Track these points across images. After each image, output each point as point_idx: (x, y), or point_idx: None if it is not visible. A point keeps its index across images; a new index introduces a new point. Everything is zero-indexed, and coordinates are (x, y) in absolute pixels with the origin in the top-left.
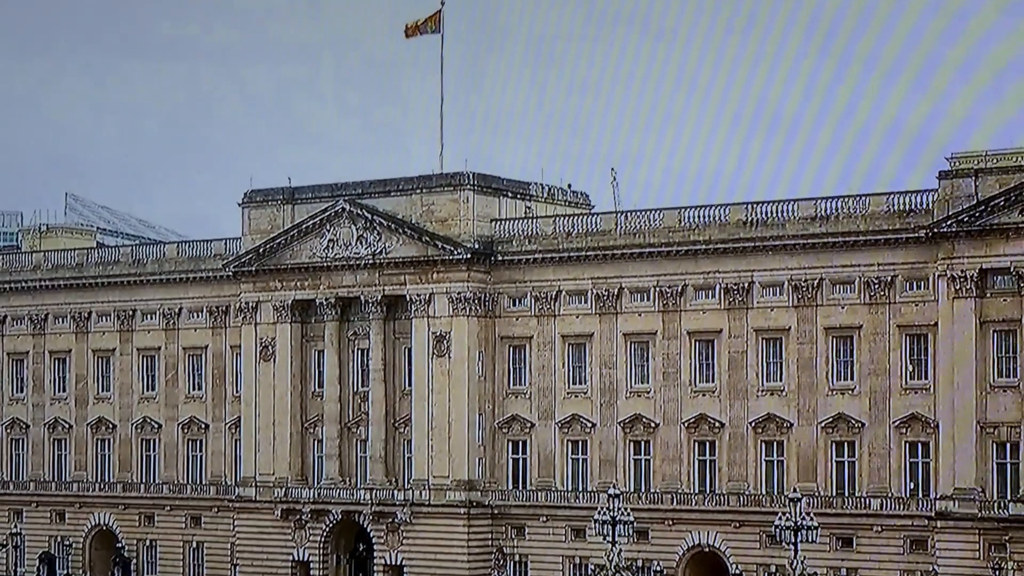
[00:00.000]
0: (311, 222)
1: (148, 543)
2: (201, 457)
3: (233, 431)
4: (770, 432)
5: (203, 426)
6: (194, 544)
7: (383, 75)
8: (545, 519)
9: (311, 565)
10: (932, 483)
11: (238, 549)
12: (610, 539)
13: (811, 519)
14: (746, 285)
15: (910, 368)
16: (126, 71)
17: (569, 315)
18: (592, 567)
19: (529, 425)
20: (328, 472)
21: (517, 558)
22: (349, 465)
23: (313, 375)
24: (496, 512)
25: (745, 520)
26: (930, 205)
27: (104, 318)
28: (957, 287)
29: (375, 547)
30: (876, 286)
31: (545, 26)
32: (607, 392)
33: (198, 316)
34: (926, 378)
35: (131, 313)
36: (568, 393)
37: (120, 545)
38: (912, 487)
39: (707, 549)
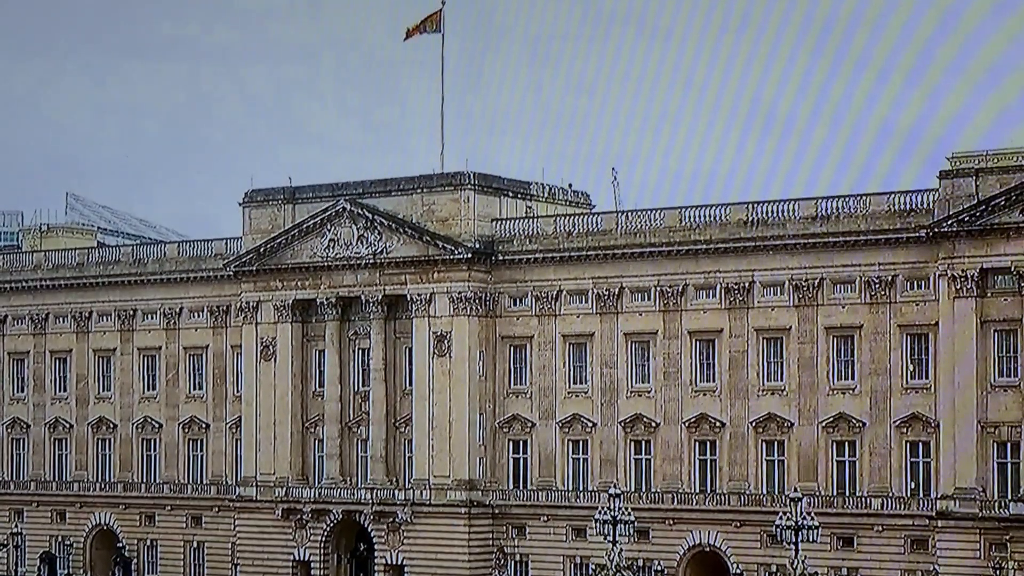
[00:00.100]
0: (312, 222)
1: (149, 543)
2: (202, 457)
3: (234, 431)
4: (771, 432)
5: (204, 426)
6: (195, 544)
7: (383, 75)
8: (546, 519)
9: (312, 565)
10: (933, 483)
11: (239, 549)
12: (611, 539)
13: (812, 519)
14: (747, 285)
15: (911, 368)
16: (127, 71)
17: (570, 315)
18: (593, 567)
19: (530, 425)
20: (329, 472)
21: (518, 558)
22: (350, 465)
23: (314, 375)
24: (497, 512)
25: (746, 520)
26: (931, 205)
27: (105, 318)
28: (958, 287)
29: (376, 547)
30: (877, 286)
31: (545, 26)
32: (608, 392)
33: (199, 316)
34: (927, 378)
35: (132, 313)
36: (569, 393)
37: (121, 545)
38: (913, 487)
39: (708, 549)
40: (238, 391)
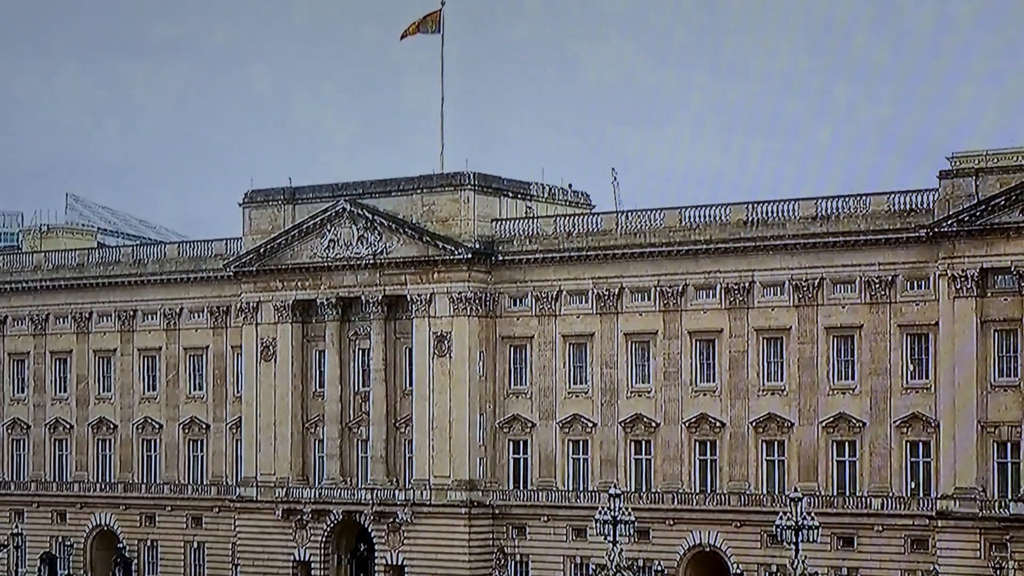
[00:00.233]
0: (312, 222)
1: (149, 543)
2: (202, 457)
3: (234, 431)
4: (771, 432)
5: (204, 426)
6: (195, 544)
7: (383, 76)
8: (546, 519)
9: (312, 565)
10: (933, 483)
11: (239, 549)
12: (611, 539)
13: (812, 519)
14: (747, 285)
15: (911, 368)
16: (127, 72)
17: (570, 315)
18: (593, 567)
19: (530, 425)
20: (329, 472)
21: (518, 558)
22: (350, 465)
23: (314, 375)
24: (497, 512)
25: (746, 520)
26: (931, 205)
27: (105, 318)
28: (958, 286)
29: (376, 547)
30: (877, 286)
31: (545, 26)
32: (608, 392)
33: (199, 316)
34: (927, 377)
35: (132, 313)
36: (569, 393)
37: (121, 545)
38: (913, 487)
39: (708, 549)
40: (238, 391)
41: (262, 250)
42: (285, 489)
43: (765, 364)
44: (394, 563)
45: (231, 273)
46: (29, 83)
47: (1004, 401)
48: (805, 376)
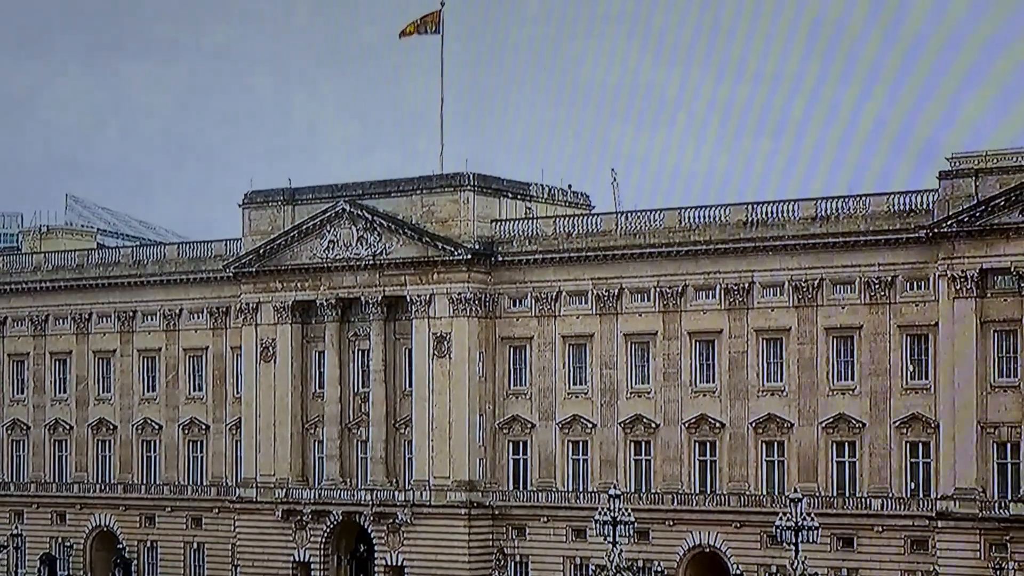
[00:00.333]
0: (311, 223)
1: (149, 544)
2: (202, 458)
3: (234, 432)
4: (771, 432)
5: (204, 427)
6: (195, 545)
7: (383, 76)
8: (546, 519)
9: (312, 566)
10: (933, 483)
11: (239, 550)
12: (611, 539)
13: (812, 519)
14: (746, 285)
15: (910, 368)
16: (126, 72)
17: (569, 316)
18: (593, 567)
19: (530, 426)
20: (329, 473)
21: (518, 558)
22: (350, 466)
23: (314, 376)
24: (497, 513)
25: (746, 520)
26: (930, 205)
27: (104, 319)
28: (957, 287)
29: (376, 548)
30: (876, 286)
31: (545, 26)
32: (607, 393)
33: (198, 317)
34: (926, 378)
35: (131, 314)
36: (568, 394)
37: (121, 546)
38: (913, 487)
39: (708, 549)
40: (238, 392)
41: (262, 251)
42: (285, 490)
43: (765, 365)
44: (394, 564)
45: (231, 274)
46: (29, 84)
47: (1004, 402)
48: (805, 377)
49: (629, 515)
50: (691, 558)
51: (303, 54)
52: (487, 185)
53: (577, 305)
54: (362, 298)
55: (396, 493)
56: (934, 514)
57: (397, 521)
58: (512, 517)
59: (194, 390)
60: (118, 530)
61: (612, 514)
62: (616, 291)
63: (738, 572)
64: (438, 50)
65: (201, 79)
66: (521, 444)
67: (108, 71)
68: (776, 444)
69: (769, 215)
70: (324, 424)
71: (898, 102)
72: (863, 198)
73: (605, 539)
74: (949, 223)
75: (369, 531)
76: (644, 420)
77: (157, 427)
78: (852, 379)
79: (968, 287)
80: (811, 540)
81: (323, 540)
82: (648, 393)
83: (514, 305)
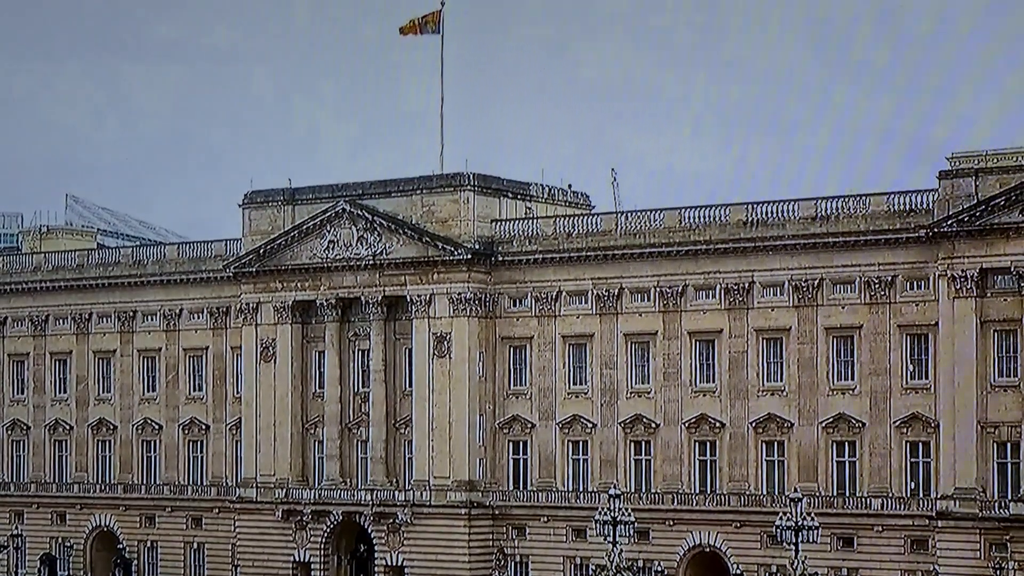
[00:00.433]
0: (311, 223)
1: (149, 544)
2: (202, 458)
3: (234, 432)
4: (771, 432)
5: (204, 427)
6: (195, 545)
7: (383, 75)
8: (546, 519)
9: (312, 566)
10: (933, 483)
11: (239, 550)
12: (611, 539)
13: (812, 519)
14: (746, 285)
15: (911, 368)
16: (126, 72)
17: (569, 315)
18: (593, 567)
19: (530, 425)
20: (329, 473)
21: (518, 558)
22: (350, 466)
23: (314, 376)
24: (497, 512)
25: (746, 520)
26: (930, 205)
27: (105, 319)
28: (957, 287)
29: (376, 548)
30: (876, 286)
31: (545, 26)
32: (608, 392)
33: (199, 317)
34: (926, 378)
35: (132, 314)
36: (569, 393)
37: (121, 546)
38: (913, 487)
39: (708, 549)
40: (238, 392)
41: (262, 251)
42: (285, 490)
43: (765, 364)
44: (394, 564)
45: (231, 274)
46: (29, 84)
47: (1004, 401)
48: (805, 376)
49: (629, 515)
50: (691, 558)
51: (303, 54)
52: (487, 185)
53: (577, 305)
54: (362, 298)
55: (396, 493)
56: (934, 514)
57: (397, 521)
58: (512, 517)
59: (194, 390)
60: (118, 530)
61: (612, 514)
62: (616, 291)
63: (738, 572)
64: (438, 50)
65: (201, 79)
66: (521, 444)
67: (108, 71)
68: (776, 444)
69: (769, 215)
70: (324, 424)
71: (898, 102)
72: (863, 198)
73: (605, 539)
74: (949, 223)
75: (369, 531)
76: (644, 420)
77: (157, 427)
78: (852, 379)
79: (968, 287)
80: (811, 540)
81: (323, 540)
82: (648, 393)
83: (514, 305)
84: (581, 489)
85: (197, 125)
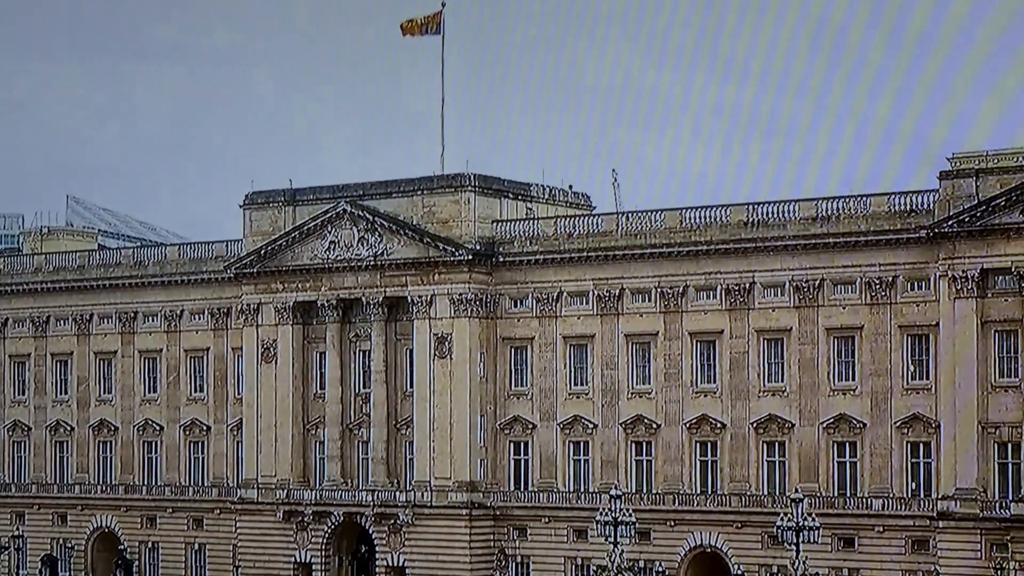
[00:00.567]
0: (312, 224)
1: (150, 545)
2: (203, 459)
3: (235, 433)
4: (772, 433)
5: (205, 428)
6: (196, 546)
7: (384, 76)
8: (547, 520)
9: (313, 567)
10: (934, 483)
11: (240, 551)
12: (612, 540)
13: (813, 519)
14: (747, 286)
15: (911, 368)
16: (127, 74)
17: (570, 316)
18: (594, 568)
19: (531, 426)
20: (330, 474)
21: (519, 559)
22: (351, 467)
23: (315, 377)
24: (498, 513)
25: (747, 521)
26: (931, 205)
27: (106, 320)
28: (958, 287)
29: (377, 548)
30: (877, 286)
31: (546, 27)
32: (608, 393)
33: (199, 318)
34: (927, 378)
35: (133, 315)
36: (570, 394)
37: (122, 547)
38: (914, 487)
39: (709, 550)
40: (239, 393)
41: (263, 252)
42: (286, 491)
43: (766, 365)
44: (395, 564)
45: (232, 275)
46: (30, 85)
47: (1005, 402)
48: (806, 377)
49: (630, 515)
50: (692, 558)
51: (304, 55)
52: (488, 186)
53: (578, 305)
54: (363, 299)
55: (397, 494)
56: (935, 514)
57: (398, 522)
58: (513, 518)
59: (195, 391)
60: (119, 531)
61: (613, 514)
62: (617, 291)
63: (739, 572)
64: (439, 50)
65: (202, 80)
66: (522, 444)
67: (109, 72)
68: (777, 444)
69: (770, 215)
70: (325, 425)
71: (898, 102)
72: (864, 198)
73: (606, 539)
74: (950, 223)
75: (370, 532)
76: (645, 420)
77: (158, 428)
78: (853, 379)
79: (969, 287)
80: (812, 540)
81: (324, 541)
82: (649, 393)
83: (515, 306)
84: (582, 490)
85: (198, 126)
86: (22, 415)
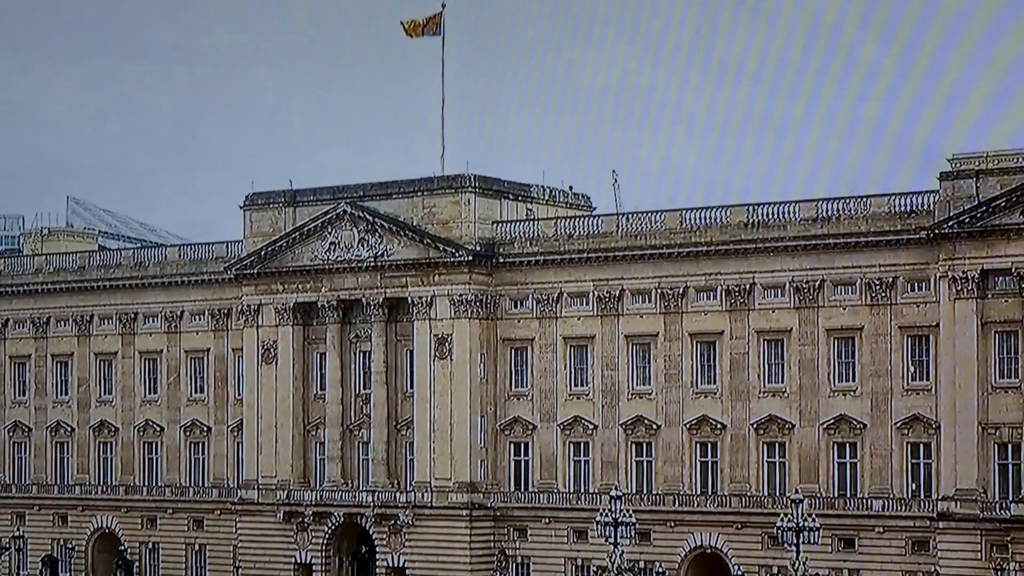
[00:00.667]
0: (312, 224)
1: (150, 546)
2: (203, 460)
3: (235, 434)
4: (772, 433)
5: (205, 429)
6: (196, 547)
7: (384, 77)
8: (547, 521)
9: (313, 567)
10: (934, 484)
11: (240, 552)
12: (612, 541)
13: (813, 520)
14: (747, 286)
15: (911, 369)
16: (127, 74)
17: (571, 317)
18: (594, 569)
19: (531, 427)
20: (330, 474)
21: (519, 560)
22: (351, 467)
23: (315, 378)
24: (498, 514)
25: (747, 521)
26: (931, 206)
27: (106, 321)
28: (958, 288)
29: (377, 549)
30: (877, 287)
31: (546, 29)
32: (609, 394)
33: (200, 319)
34: (927, 379)
35: (133, 316)
36: (570, 395)
37: (123, 548)
38: (914, 488)
39: (709, 550)
40: (239, 394)
41: (263, 252)
42: (286, 491)
43: (766, 366)
44: (395, 565)
45: (232, 276)
46: (30, 86)
47: (1005, 402)
48: (806, 378)
49: (630, 516)
50: (692, 559)
51: (304, 55)
52: (488, 187)
53: (578, 306)
54: (363, 300)
55: (397, 495)
56: (935, 515)
57: (398, 522)
58: (513, 518)
59: (196, 392)
60: (120, 532)
61: (613, 515)
62: (617, 292)
63: (739, 573)
64: (439, 52)
65: (202, 81)
66: (522, 445)
67: (109, 73)
68: (777, 445)
69: (770, 216)
70: (325, 426)
71: (898, 103)
72: (864, 199)
73: (606, 540)
74: (950, 224)
75: (371, 532)
76: (645, 421)
77: (159, 429)
78: (853, 380)
79: (969, 288)
80: (812, 541)
81: (324, 542)
82: (649, 394)
83: (515, 306)
84: (582, 490)
85: (198, 127)
86: (23, 416)
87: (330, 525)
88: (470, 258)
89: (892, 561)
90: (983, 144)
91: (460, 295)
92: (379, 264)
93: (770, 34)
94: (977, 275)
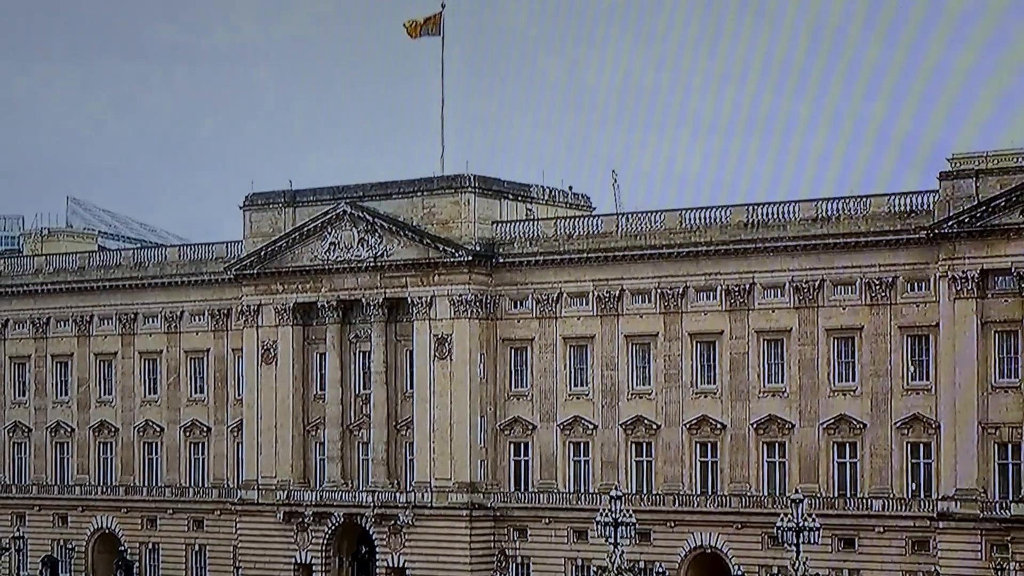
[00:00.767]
0: (312, 225)
1: (150, 546)
2: (203, 460)
3: (235, 434)
4: (772, 433)
5: (205, 429)
6: (196, 547)
7: (384, 77)
8: (547, 521)
9: (313, 568)
10: (934, 484)
11: (240, 552)
12: (612, 541)
13: (813, 520)
14: (747, 286)
15: (911, 369)
16: (127, 74)
17: (570, 317)
18: (594, 569)
19: (531, 427)
20: (330, 475)
21: (519, 560)
22: (351, 468)
23: (315, 378)
24: (498, 514)
25: (747, 521)
26: (931, 206)
27: (106, 321)
28: (958, 288)
29: (377, 549)
30: (877, 287)
31: (546, 28)
32: (608, 394)
33: (200, 319)
34: (927, 379)
35: (133, 316)
36: (569, 395)
37: (123, 548)
38: (914, 488)
39: (709, 550)
40: (239, 394)
41: (263, 253)
42: (286, 492)
43: (766, 366)
44: (395, 565)
45: (232, 276)
46: (30, 86)
47: (1005, 402)
48: (806, 378)
49: (630, 516)
50: (692, 559)
51: (304, 56)
52: (488, 187)
53: (578, 306)
54: (363, 300)
55: (397, 495)
56: (935, 515)
57: (398, 523)
58: (513, 518)
59: (195, 392)
60: (120, 532)
61: (613, 515)
62: (617, 292)
63: (739, 573)
64: (439, 52)
65: (202, 81)
66: (522, 445)
67: (109, 73)
68: (777, 445)
69: (770, 216)
70: (325, 426)
71: (899, 103)
72: (864, 199)
73: (606, 540)
74: (950, 224)
75: (371, 533)
76: (645, 421)
77: (159, 429)
78: (853, 380)
79: (969, 288)
80: (812, 541)
81: (324, 542)
82: (649, 394)
83: (515, 307)
84: (582, 490)
85: (198, 127)
86: (22, 416)
87: (330, 525)
88: (470, 258)
89: (892, 561)
90: (983, 144)
91: (460, 295)
92: (379, 264)
93: (773, 35)
94: (977, 275)
